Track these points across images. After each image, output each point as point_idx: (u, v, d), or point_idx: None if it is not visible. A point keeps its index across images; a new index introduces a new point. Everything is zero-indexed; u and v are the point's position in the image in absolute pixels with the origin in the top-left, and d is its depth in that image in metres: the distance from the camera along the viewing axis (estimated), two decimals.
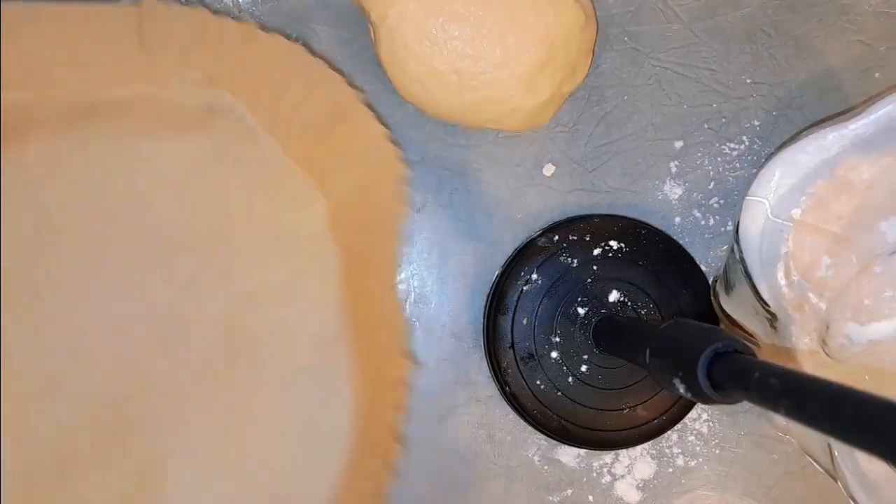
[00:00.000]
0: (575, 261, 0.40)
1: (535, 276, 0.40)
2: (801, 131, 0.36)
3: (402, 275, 0.41)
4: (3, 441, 0.34)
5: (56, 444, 0.35)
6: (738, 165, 0.43)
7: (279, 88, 0.37)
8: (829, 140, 0.34)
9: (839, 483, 0.34)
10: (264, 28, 0.36)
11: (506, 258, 0.42)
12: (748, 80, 0.43)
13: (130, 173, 0.37)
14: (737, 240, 0.35)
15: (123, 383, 0.36)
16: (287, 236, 0.37)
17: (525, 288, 0.40)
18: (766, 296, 0.34)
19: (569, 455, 0.42)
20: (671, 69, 0.43)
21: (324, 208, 0.38)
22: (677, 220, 0.43)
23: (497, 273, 0.41)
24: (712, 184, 0.43)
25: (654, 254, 0.41)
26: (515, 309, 0.40)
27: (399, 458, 0.38)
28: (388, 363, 0.38)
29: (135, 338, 0.36)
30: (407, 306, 0.41)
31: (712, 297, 0.41)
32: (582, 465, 0.42)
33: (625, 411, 0.40)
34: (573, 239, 0.41)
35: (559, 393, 0.40)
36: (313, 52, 0.37)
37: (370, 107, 0.38)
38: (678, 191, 0.43)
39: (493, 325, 0.40)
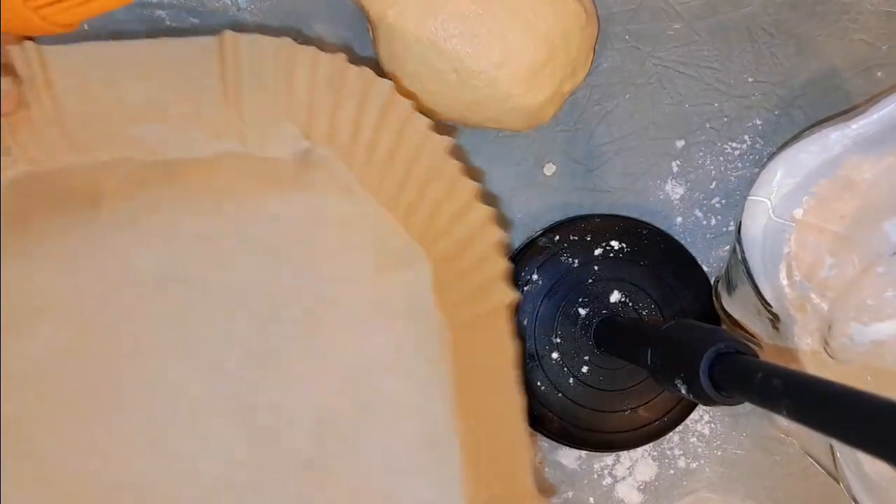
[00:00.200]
0: (576, 261, 0.40)
1: (535, 277, 0.40)
2: (804, 130, 0.36)
3: None
4: None
5: None
6: (739, 165, 0.43)
7: (372, 136, 0.33)
8: (832, 139, 0.34)
9: (841, 485, 0.34)
10: (354, 61, 0.33)
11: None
12: (750, 79, 0.43)
13: (213, 235, 0.33)
14: (739, 240, 0.35)
15: (204, 476, 0.31)
16: (388, 300, 0.33)
17: (525, 288, 0.40)
18: (768, 296, 0.34)
19: (569, 457, 0.41)
20: (672, 68, 0.42)
21: (428, 270, 0.34)
22: (679, 219, 0.43)
23: None
24: (714, 183, 0.43)
25: (655, 254, 0.41)
26: (516, 309, 0.40)
27: None
28: (508, 491, 0.32)
29: (215, 425, 0.32)
30: None
31: (714, 298, 0.41)
32: (583, 466, 0.42)
33: (626, 412, 0.40)
34: (574, 239, 0.40)
35: (560, 394, 0.40)
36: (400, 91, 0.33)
37: (458, 154, 0.34)
38: (680, 190, 0.43)
39: None
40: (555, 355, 0.40)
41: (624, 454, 0.42)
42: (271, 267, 0.33)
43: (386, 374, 0.33)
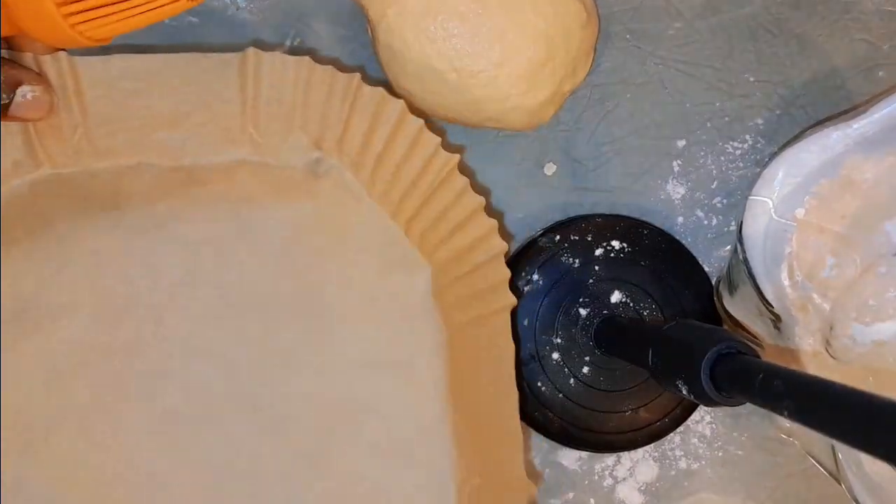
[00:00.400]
0: (576, 261, 0.40)
1: (535, 277, 0.40)
2: (805, 130, 0.36)
3: None
4: None
5: None
6: (741, 164, 0.43)
7: (381, 149, 0.35)
8: (833, 139, 0.34)
9: (843, 485, 0.34)
10: (366, 79, 0.35)
11: (506, 258, 0.41)
12: (751, 79, 0.43)
13: (228, 240, 0.35)
14: (740, 240, 0.35)
15: (215, 466, 0.34)
16: (389, 303, 0.36)
17: (526, 288, 0.40)
18: (769, 296, 0.34)
19: (570, 458, 0.41)
20: (674, 67, 0.42)
21: (427, 275, 0.36)
22: (680, 219, 0.42)
23: None
24: (715, 183, 0.43)
25: (656, 254, 0.41)
26: (516, 310, 0.40)
27: None
28: (500, 477, 0.35)
29: (227, 418, 0.34)
30: None
31: (715, 298, 0.41)
32: (583, 467, 0.41)
33: (627, 413, 0.40)
34: (574, 239, 0.40)
35: (560, 395, 0.40)
36: (411, 110, 0.36)
37: (464, 170, 0.36)
38: (681, 190, 0.42)
39: None
40: (555, 356, 0.40)
41: (625, 455, 0.42)
42: (282, 270, 0.35)
43: (385, 370, 0.35)
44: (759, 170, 0.38)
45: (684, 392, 0.28)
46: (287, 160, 0.35)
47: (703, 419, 0.42)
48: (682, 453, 0.42)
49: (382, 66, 0.38)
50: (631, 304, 0.40)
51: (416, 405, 0.35)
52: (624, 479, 0.42)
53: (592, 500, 0.41)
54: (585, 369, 0.40)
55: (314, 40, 0.41)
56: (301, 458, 0.34)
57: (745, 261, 0.34)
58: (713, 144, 0.43)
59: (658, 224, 0.41)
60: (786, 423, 0.38)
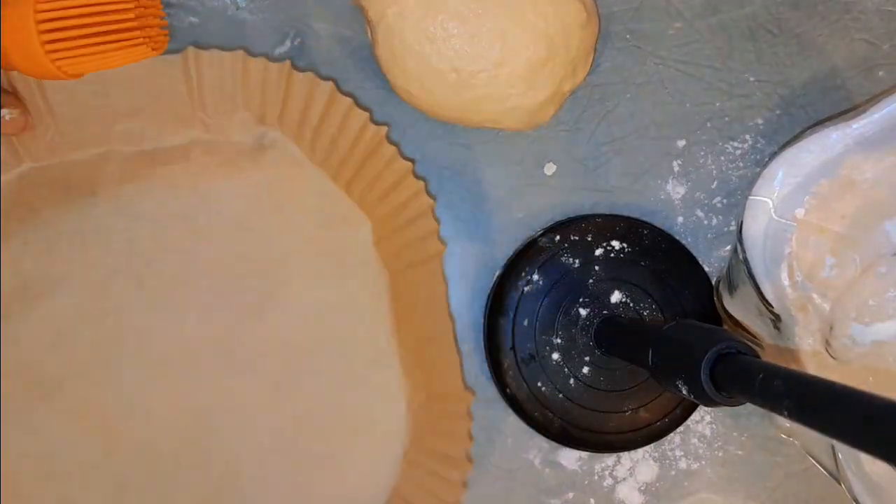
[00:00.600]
0: (576, 261, 0.40)
1: (535, 277, 0.40)
2: (805, 130, 0.36)
3: None
4: (101, 449, 0.39)
5: (145, 453, 0.39)
6: (741, 164, 0.43)
7: (317, 123, 0.40)
8: (833, 139, 0.34)
9: (843, 485, 0.34)
10: (296, 67, 0.39)
11: (506, 258, 0.41)
12: (751, 79, 0.43)
13: (191, 212, 0.40)
14: (740, 240, 0.35)
15: (200, 400, 0.39)
16: (337, 254, 0.41)
17: (526, 289, 0.40)
18: (769, 296, 0.34)
19: (570, 458, 0.41)
20: (674, 67, 0.42)
21: (368, 229, 0.41)
22: (680, 219, 0.42)
23: (497, 274, 0.41)
24: (715, 183, 0.43)
25: (656, 254, 0.41)
26: (516, 310, 0.40)
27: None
28: (443, 391, 0.40)
29: (207, 360, 0.40)
30: None
31: (715, 298, 0.41)
32: (583, 468, 0.41)
33: (627, 413, 0.40)
34: (574, 239, 0.40)
35: (560, 395, 0.40)
36: (340, 90, 0.40)
37: (389, 139, 0.40)
38: (681, 190, 0.42)
39: (494, 326, 0.40)
40: (555, 356, 0.40)
41: (625, 455, 0.42)
42: (240, 234, 0.40)
43: (338, 312, 0.41)
44: (759, 170, 0.38)
45: (684, 392, 0.28)
46: (235, 136, 0.40)
47: (703, 419, 0.42)
48: (682, 453, 0.42)
49: (382, 66, 0.38)
50: (631, 304, 0.40)
51: (367, 338, 0.41)
52: (624, 479, 0.42)
53: (592, 500, 0.41)
54: (585, 369, 0.40)
55: (314, 40, 0.41)
56: (273, 390, 0.40)
57: (745, 261, 0.34)
58: (713, 144, 0.43)
59: (658, 224, 0.41)
60: (786, 423, 0.38)
